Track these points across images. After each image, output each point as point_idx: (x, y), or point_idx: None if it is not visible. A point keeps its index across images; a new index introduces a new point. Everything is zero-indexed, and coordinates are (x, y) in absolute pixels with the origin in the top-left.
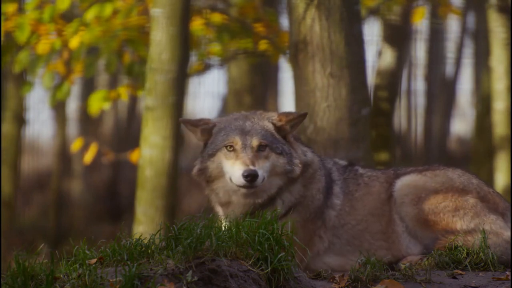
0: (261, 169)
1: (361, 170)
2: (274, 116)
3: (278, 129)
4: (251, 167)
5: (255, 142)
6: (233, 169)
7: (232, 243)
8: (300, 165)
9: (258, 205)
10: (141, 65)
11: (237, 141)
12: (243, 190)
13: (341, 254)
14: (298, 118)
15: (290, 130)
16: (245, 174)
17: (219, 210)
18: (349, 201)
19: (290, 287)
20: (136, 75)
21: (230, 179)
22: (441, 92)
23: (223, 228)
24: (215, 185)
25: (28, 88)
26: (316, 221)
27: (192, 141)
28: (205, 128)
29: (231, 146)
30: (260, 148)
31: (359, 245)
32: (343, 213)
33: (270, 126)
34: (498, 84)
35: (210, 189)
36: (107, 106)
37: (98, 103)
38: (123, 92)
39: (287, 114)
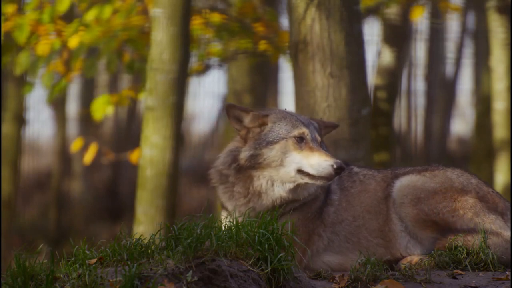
0: None
1: (356, 169)
2: (314, 120)
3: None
4: (338, 160)
5: (318, 138)
6: (313, 159)
7: (232, 243)
8: None
9: (286, 201)
10: (141, 63)
11: (307, 133)
12: (319, 182)
13: (340, 252)
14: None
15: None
16: (336, 166)
17: (228, 205)
18: (345, 196)
19: (290, 287)
20: (137, 72)
21: (300, 170)
22: (441, 92)
23: (223, 227)
24: (258, 172)
25: (29, 88)
26: (316, 220)
27: (192, 141)
28: (257, 115)
29: (301, 138)
30: (321, 144)
31: (357, 242)
32: (341, 208)
33: (317, 126)
34: (498, 84)
35: (245, 176)
36: (110, 110)
37: (101, 108)
38: (125, 98)
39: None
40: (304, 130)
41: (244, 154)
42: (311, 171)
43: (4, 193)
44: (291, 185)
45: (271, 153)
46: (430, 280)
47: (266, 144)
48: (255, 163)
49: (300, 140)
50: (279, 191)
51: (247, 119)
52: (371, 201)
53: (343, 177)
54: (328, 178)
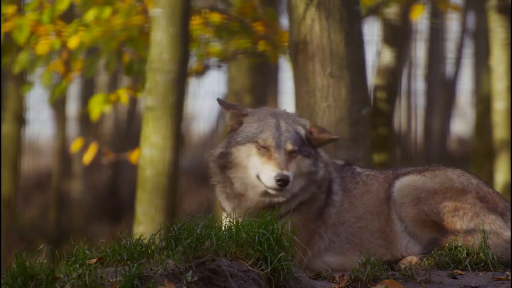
0: (292, 173)
1: (358, 169)
2: (306, 124)
3: (308, 138)
4: (285, 172)
5: (289, 146)
6: (265, 168)
7: (232, 243)
8: (324, 168)
9: (267, 204)
10: (140, 64)
11: (272, 140)
12: (270, 191)
13: (341, 253)
14: (328, 142)
15: (316, 145)
16: (278, 178)
17: (226, 205)
18: (348, 198)
19: (290, 287)
20: (136, 74)
21: (258, 177)
22: (441, 92)
23: (223, 227)
24: (233, 173)
25: (28, 87)
26: (317, 220)
27: (192, 141)
28: (236, 113)
29: (264, 143)
30: (292, 152)
31: (358, 243)
32: (343, 210)
33: (302, 132)
34: (498, 84)
35: (226, 177)
36: (107, 109)
37: (98, 106)
38: (123, 95)
39: (321, 131)
40: (268, 137)
41: (216, 151)
42: (262, 179)
43: (4, 193)
44: (260, 189)
45: (239, 153)
46: (430, 280)
47: (235, 144)
48: (226, 162)
49: (264, 145)
50: (254, 195)
51: (227, 116)
52: (373, 202)
53: (346, 178)
54: (274, 189)
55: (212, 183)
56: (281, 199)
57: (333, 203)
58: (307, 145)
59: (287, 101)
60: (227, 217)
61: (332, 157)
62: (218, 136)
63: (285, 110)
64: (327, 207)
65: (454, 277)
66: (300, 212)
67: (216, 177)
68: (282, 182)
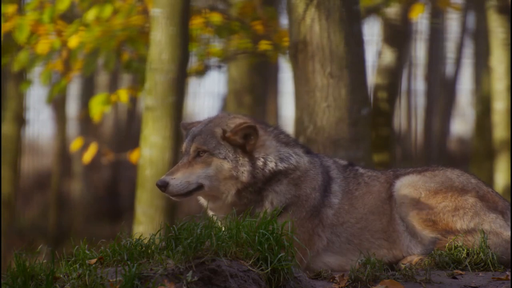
0: (187, 177)
1: (361, 170)
2: (232, 124)
3: (227, 138)
4: (164, 177)
5: (193, 147)
6: None
7: (232, 243)
8: (245, 172)
9: (243, 204)
10: (139, 63)
11: (184, 147)
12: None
13: (341, 253)
14: (243, 130)
15: (241, 141)
16: (157, 183)
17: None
18: (349, 199)
19: (290, 287)
20: (135, 72)
21: None
22: (441, 92)
23: (223, 227)
24: None
25: (27, 85)
26: (313, 219)
27: None
28: (184, 130)
29: (182, 151)
30: (199, 153)
31: (358, 244)
32: (342, 211)
33: (219, 132)
34: (498, 84)
35: None
36: (107, 109)
37: (99, 107)
38: (124, 95)
39: (238, 125)
40: (183, 144)
41: None
42: None
43: (4, 193)
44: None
45: None
46: (430, 280)
47: None
48: None
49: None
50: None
51: None
52: (375, 202)
53: (348, 179)
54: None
55: None
56: (220, 203)
57: (330, 204)
58: (224, 146)
59: (287, 101)
60: (227, 216)
61: (333, 157)
62: None
63: (228, 115)
64: (324, 207)
65: (454, 277)
66: (293, 213)
67: None
68: (158, 186)
